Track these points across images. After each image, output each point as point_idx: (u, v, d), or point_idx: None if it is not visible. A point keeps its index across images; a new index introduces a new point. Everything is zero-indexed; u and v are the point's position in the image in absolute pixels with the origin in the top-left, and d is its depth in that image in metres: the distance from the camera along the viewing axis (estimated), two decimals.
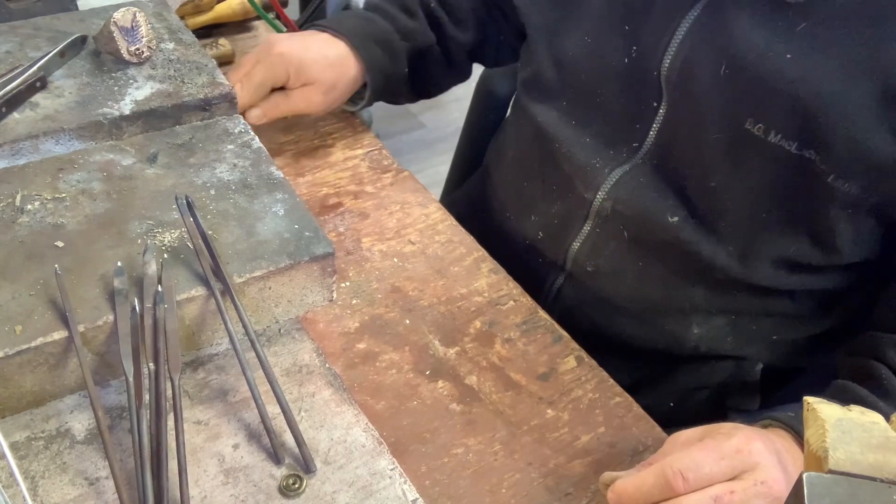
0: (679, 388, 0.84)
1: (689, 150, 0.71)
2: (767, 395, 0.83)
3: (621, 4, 0.73)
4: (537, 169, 0.84)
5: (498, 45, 0.98)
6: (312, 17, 1.04)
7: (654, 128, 0.72)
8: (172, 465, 0.50)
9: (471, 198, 1.00)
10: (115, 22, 0.70)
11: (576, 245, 0.81)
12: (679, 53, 0.68)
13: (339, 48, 0.84)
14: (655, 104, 0.72)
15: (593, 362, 0.70)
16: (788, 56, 0.63)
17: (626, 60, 0.72)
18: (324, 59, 0.83)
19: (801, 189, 0.67)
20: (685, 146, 0.71)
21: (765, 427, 0.60)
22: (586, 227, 0.79)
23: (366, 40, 0.86)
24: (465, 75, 1.00)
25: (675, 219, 0.73)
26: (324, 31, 0.86)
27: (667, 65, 0.69)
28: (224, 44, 0.99)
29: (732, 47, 0.65)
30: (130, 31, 0.71)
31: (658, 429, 0.66)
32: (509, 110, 0.95)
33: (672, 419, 0.67)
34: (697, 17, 0.68)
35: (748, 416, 0.83)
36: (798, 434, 0.58)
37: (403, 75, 0.91)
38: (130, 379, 0.51)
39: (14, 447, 0.52)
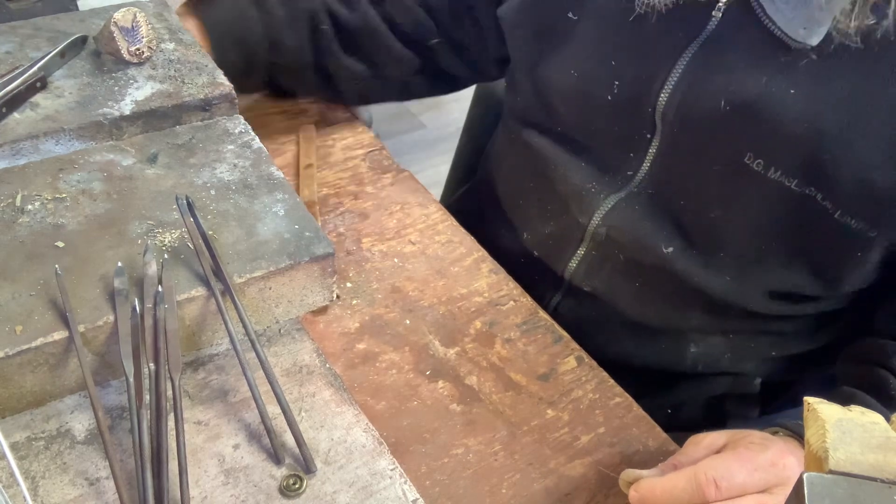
0: (676, 400, 0.84)
1: (685, 182, 0.70)
2: (766, 404, 0.83)
3: (608, 41, 0.72)
4: (532, 188, 0.84)
5: (437, 74, 0.92)
6: None
7: (648, 158, 0.72)
8: (173, 465, 0.50)
9: (466, 209, 0.99)
10: (115, 22, 0.70)
11: (572, 265, 0.80)
12: (677, 90, 0.67)
13: (198, 33, 0.80)
14: (649, 135, 0.71)
15: (593, 363, 0.70)
16: (792, 91, 0.62)
17: (610, 97, 0.72)
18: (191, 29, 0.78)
19: (803, 225, 0.66)
20: (681, 178, 0.71)
21: (773, 434, 0.59)
22: (582, 250, 0.79)
23: (224, 39, 0.80)
24: (350, 102, 0.94)
25: (670, 249, 0.73)
26: (195, 9, 0.81)
27: (663, 101, 0.68)
28: None
29: (733, 84, 0.64)
30: (131, 32, 0.71)
31: (658, 429, 0.66)
32: (500, 125, 0.92)
33: (668, 426, 0.67)
34: (695, 55, 0.66)
35: (748, 423, 0.83)
36: None
37: (258, 83, 0.86)
38: (131, 379, 0.51)
39: (14, 447, 0.52)
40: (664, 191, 0.72)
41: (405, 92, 0.95)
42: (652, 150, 0.71)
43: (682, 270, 0.73)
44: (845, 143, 0.61)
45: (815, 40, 0.60)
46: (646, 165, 0.72)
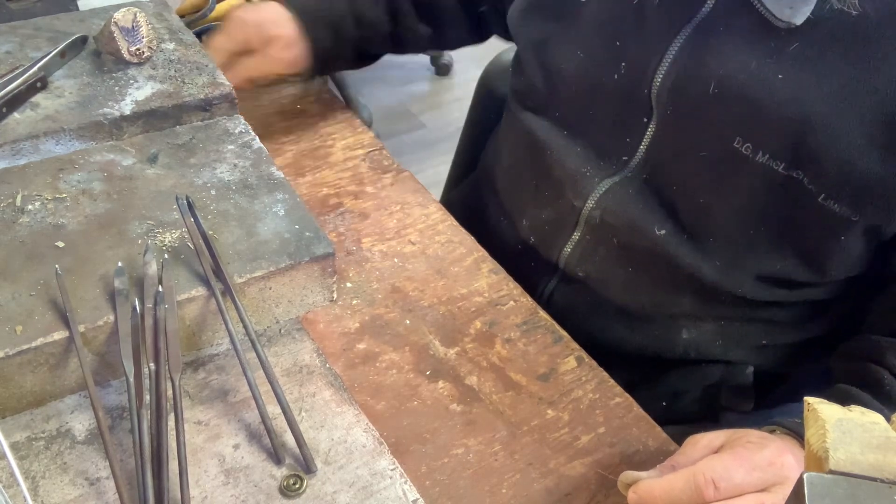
0: (670, 390, 0.84)
1: (677, 167, 0.71)
2: (761, 396, 0.83)
3: (612, 22, 0.73)
4: (530, 174, 0.84)
5: (484, 34, 1.01)
6: None
7: (644, 143, 0.73)
8: (173, 465, 0.50)
9: (466, 200, 1.00)
10: (115, 22, 0.70)
11: (567, 250, 0.81)
12: (670, 73, 0.68)
13: (290, 15, 0.85)
14: (646, 120, 0.72)
15: (593, 363, 0.70)
16: (780, 76, 0.63)
17: (616, 77, 0.72)
18: (281, 17, 0.85)
19: (790, 209, 0.67)
20: (674, 162, 0.71)
21: (770, 432, 0.59)
22: (576, 235, 0.80)
23: (316, 21, 0.86)
24: (416, 51, 1.02)
25: (662, 232, 0.73)
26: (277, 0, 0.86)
27: (657, 83, 0.69)
28: None
29: (723, 67, 0.65)
30: (131, 32, 0.71)
31: (658, 429, 0.66)
32: (503, 114, 0.95)
33: (665, 419, 0.67)
34: (688, 37, 0.67)
35: (743, 416, 0.83)
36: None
37: (346, 57, 0.93)
38: (131, 379, 0.51)
39: (14, 447, 0.52)
40: (657, 175, 0.73)
41: (453, 45, 1.04)
42: (648, 134, 0.72)
43: (674, 254, 0.73)
44: (830, 127, 0.62)
45: (799, 19, 0.61)
46: (641, 150, 0.73)
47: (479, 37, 1.02)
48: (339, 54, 0.90)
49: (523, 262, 0.83)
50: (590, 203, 0.77)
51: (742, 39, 0.64)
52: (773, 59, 0.63)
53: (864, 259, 0.69)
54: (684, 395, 0.84)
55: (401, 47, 0.97)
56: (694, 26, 0.67)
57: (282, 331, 0.62)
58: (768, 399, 0.83)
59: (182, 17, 0.92)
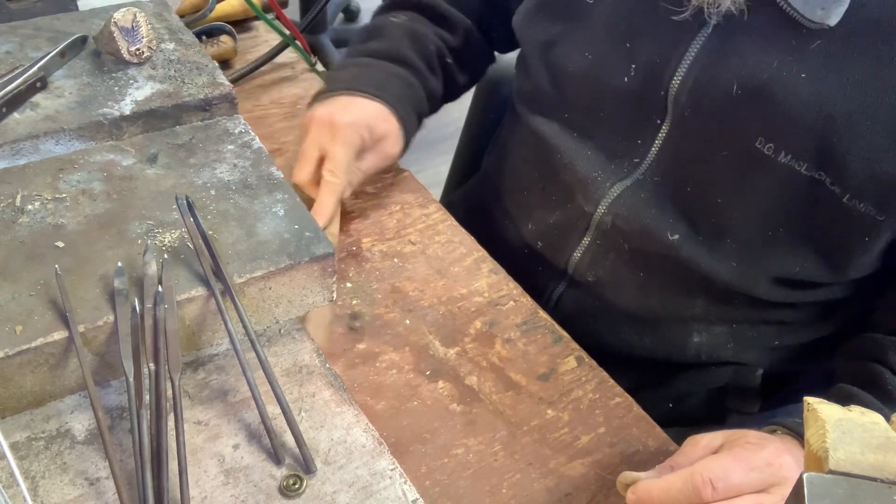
0: (677, 392, 0.84)
1: (693, 168, 0.70)
2: (767, 398, 0.83)
3: (622, 23, 0.72)
4: (537, 178, 0.84)
5: (490, 55, 1.01)
6: (315, 20, 1.04)
7: (657, 144, 0.72)
8: (173, 465, 0.50)
9: (469, 203, 0.99)
10: (115, 22, 0.70)
11: (576, 255, 0.80)
12: (690, 74, 0.67)
13: (387, 109, 0.81)
14: (659, 121, 0.71)
15: (593, 363, 0.70)
16: (803, 76, 0.62)
17: (626, 79, 0.72)
18: (381, 111, 0.81)
19: (812, 210, 0.66)
20: (689, 164, 0.71)
21: (771, 433, 0.59)
22: (586, 240, 0.79)
23: (409, 110, 0.84)
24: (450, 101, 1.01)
25: (676, 237, 0.73)
26: (362, 95, 0.81)
27: (676, 85, 0.68)
28: (226, 41, 0.99)
29: (745, 67, 0.64)
30: (131, 32, 0.71)
31: (658, 429, 0.66)
32: (506, 116, 0.94)
33: (670, 420, 0.67)
34: (708, 38, 0.66)
35: (748, 418, 0.83)
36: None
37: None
38: (131, 379, 0.51)
39: (14, 447, 0.52)
40: (671, 177, 0.72)
41: (479, 78, 1.04)
42: (661, 136, 0.71)
43: (688, 258, 0.73)
44: (855, 127, 0.61)
45: (833, 20, 0.60)
46: (653, 152, 0.72)
47: (492, 59, 1.03)
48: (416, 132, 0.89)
49: (529, 266, 0.83)
50: (601, 208, 0.76)
51: (763, 38, 0.64)
52: (796, 58, 0.62)
53: (884, 257, 0.69)
54: (691, 396, 0.84)
55: (446, 100, 0.96)
56: (713, 27, 0.66)
57: (281, 331, 0.62)
58: (774, 400, 0.83)
59: (182, 17, 0.92)
